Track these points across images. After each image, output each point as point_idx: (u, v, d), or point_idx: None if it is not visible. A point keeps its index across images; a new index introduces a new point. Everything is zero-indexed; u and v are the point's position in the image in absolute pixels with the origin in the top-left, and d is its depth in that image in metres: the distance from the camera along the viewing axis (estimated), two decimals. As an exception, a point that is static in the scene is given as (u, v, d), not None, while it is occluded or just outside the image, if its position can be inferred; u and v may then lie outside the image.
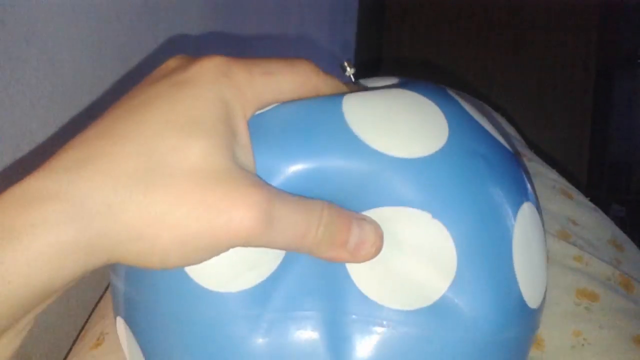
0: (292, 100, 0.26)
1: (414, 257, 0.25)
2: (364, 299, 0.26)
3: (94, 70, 0.49)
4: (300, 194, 0.25)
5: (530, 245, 0.28)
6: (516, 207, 0.27)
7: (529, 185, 0.30)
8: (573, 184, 0.58)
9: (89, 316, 0.49)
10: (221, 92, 0.23)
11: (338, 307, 0.26)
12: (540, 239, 0.29)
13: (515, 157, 0.30)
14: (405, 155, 0.25)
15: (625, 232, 0.54)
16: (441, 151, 0.26)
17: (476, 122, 0.29)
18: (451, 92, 0.30)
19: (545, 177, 0.56)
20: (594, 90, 1.80)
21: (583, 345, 0.40)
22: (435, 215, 0.25)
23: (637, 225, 1.59)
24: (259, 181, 0.23)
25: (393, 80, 0.32)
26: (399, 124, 0.26)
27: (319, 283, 0.26)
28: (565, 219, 0.51)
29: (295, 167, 0.25)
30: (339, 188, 0.25)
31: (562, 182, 0.57)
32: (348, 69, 0.31)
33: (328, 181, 0.25)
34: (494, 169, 0.27)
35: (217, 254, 0.23)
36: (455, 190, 0.26)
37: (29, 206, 0.20)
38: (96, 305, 0.50)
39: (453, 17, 1.84)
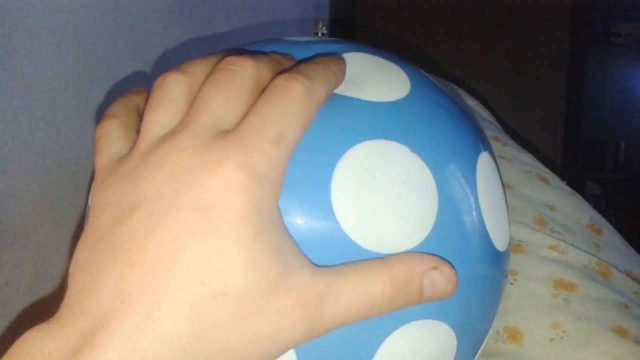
0: None
1: (401, 192, 0.25)
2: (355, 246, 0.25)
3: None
4: None
5: (493, 190, 0.29)
6: (476, 153, 0.29)
7: (485, 137, 0.31)
8: (549, 164, 0.57)
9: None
10: (251, 202, 0.21)
11: None
12: (500, 186, 0.31)
13: (469, 114, 0.32)
14: (379, 99, 0.27)
15: (600, 210, 0.53)
16: (408, 97, 0.27)
17: (434, 83, 0.31)
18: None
19: (520, 161, 0.55)
20: (568, 69, 1.80)
21: (562, 338, 0.39)
22: (414, 150, 0.26)
23: (613, 203, 1.61)
24: (303, 281, 0.22)
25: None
26: (370, 78, 0.28)
27: None
28: (541, 205, 0.49)
29: None
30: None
31: (538, 167, 0.55)
32: (321, 26, 0.31)
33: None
34: (454, 118, 0.29)
35: None
36: (427, 129, 0.27)
37: None
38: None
39: (426, -3, 1.82)
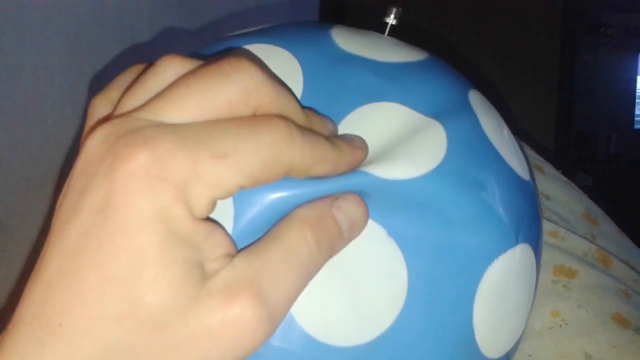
0: None
1: (361, 280, 0.23)
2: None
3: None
4: None
5: (508, 293, 0.25)
6: (503, 248, 0.25)
7: (532, 222, 0.27)
8: (541, 155, 0.57)
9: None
10: (156, 207, 0.18)
11: None
12: (527, 285, 0.26)
13: (528, 187, 0.28)
14: (387, 176, 0.23)
15: (592, 200, 0.53)
16: (427, 174, 0.23)
17: (486, 140, 0.26)
18: (471, 94, 0.28)
19: (516, 150, 0.54)
20: (559, 61, 1.80)
21: (561, 326, 0.38)
22: (390, 233, 0.23)
23: (603, 194, 1.61)
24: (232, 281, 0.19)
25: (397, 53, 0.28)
26: (386, 151, 0.24)
27: None
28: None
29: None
30: None
31: (533, 156, 0.55)
32: (391, 16, 0.29)
33: None
34: (487, 200, 0.25)
35: None
36: (420, 214, 0.23)
37: None
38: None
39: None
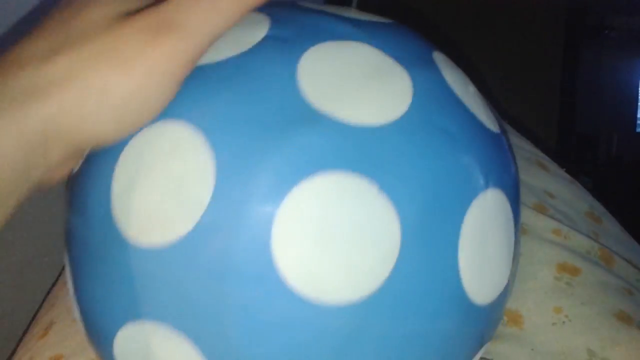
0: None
1: (355, 239, 0.22)
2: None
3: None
4: None
5: (485, 237, 0.25)
6: (473, 193, 0.25)
7: (503, 170, 0.27)
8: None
9: (41, 304, 0.46)
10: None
11: None
12: (504, 231, 0.27)
13: (497, 138, 0.28)
14: (356, 122, 0.23)
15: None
16: (401, 119, 0.24)
17: (451, 92, 0.27)
18: (435, 54, 0.28)
19: (520, 148, 0.54)
20: (562, 63, 1.80)
21: (564, 322, 0.38)
22: (382, 188, 0.23)
23: (605, 196, 1.61)
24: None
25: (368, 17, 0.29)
26: (355, 88, 0.24)
27: None
28: (541, 192, 0.49)
29: None
30: None
31: (537, 154, 0.55)
32: None
33: None
34: (456, 147, 0.25)
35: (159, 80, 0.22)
36: (405, 165, 0.23)
37: None
38: (48, 293, 0.47)
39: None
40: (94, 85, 0.21)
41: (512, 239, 0.28)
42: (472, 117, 0.27)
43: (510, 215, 0.27)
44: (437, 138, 0.24)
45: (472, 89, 0.29)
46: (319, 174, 0.22)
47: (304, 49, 0.25)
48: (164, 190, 0.23)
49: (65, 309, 0.40)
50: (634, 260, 0.45)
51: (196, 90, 0.24)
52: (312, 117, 0.23)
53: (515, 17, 1.81)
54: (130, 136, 0.24)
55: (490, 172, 0.26)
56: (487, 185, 0.25)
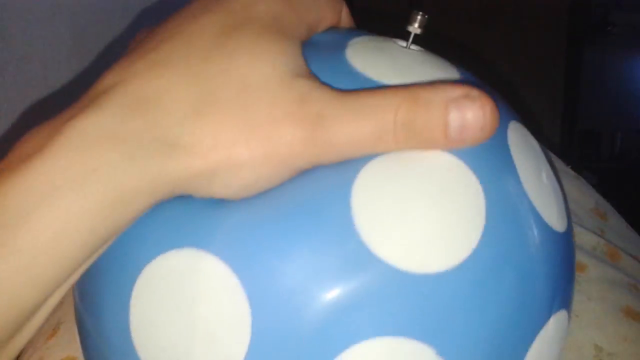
0: None
1: None
2: None
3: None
4: None
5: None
6: (538, 327, 0.23)
7: (567, 285, 0.25)
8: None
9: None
10: (274, 8, 0.22)
11: None
12: (558, 348, 0.25)
13: (564, 239, 0.25)
14: (415, 270, 0.20)
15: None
16: (462, 265, 0.21)
17: (526, 200, 0.23)
18: (510, 130, 0.25)
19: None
20: (565, 59, 1.80)
21: (571, 318, 0.38)
22: (440, 353, 0.20)
23: (608, 193, 1.61)
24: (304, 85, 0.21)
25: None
26: (418, 222, 0.21)
27: None
28: (547, 188, 0.49)
29: None
30: None
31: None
32: (415, 25, 0.25)
33: None
34: (525, 281, 0.22)
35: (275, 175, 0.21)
36: (466, 323, 0.21)
37: (88, 150, 0.19)
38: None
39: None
40: (235, 161, 0.20)
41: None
42: (545, 227, 0.24)
43: (566, 330, 0.26)
44: (506, 277, 0.22)
45: (545, 174, 0.25)
46: (372, 339, 0.20)
47: (361, 165, 0.21)
48: (191, 332, 0.20)
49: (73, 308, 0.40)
50: (640, 256, 0.45)
51: (234, 224, 0.21)
52: (366, 263, 0.20)
53: (518, 14, 1.80)
54: (153, 253, 0.21)
55: (556, 294, 0.24)
56: (551, 314, 0.23)
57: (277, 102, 0.20)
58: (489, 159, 0.22)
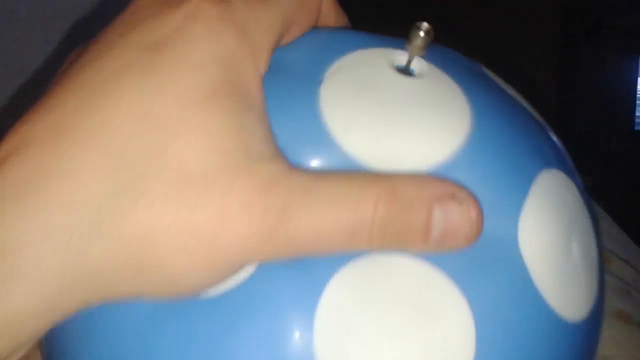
0: None
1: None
2: None
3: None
4: None
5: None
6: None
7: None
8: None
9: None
10: (220, 47, 0.16)
11: None
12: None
13: (577, 331, 0.21)
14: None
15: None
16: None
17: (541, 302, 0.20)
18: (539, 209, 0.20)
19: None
20: (559, 62, 1.80)
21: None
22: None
23: (603, 195, 1.61)
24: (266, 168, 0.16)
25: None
26: None
27: None
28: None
29: None
30: None
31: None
32: (416, 43, 0.19)
33: None
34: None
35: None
36: None
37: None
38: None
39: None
40: (168, 273, 0.16)
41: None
42: (553, 319, 0.20)
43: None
44: None
45: (576, 247, 0.21)
46: None
47: (330, 275, 0.18)
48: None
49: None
50: (632, 260, 0.46)
51: None
52: None
53: (512, 16, 1.81)
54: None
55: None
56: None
57: (233, 192, 0.16)
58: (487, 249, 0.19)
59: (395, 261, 0.18)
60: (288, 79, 0.19)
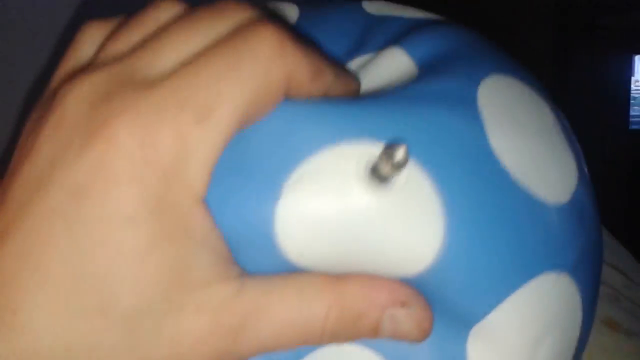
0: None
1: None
2: None
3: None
4: None
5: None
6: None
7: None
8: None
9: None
10: (145, 198, 0.15)
11: None
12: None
13: (555, 213, 0.22)
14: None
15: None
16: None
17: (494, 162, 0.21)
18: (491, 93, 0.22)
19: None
20: (552, 62, 1.80)
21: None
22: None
23: (597, 195, 1.61)
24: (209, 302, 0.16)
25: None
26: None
27: None
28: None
29: None
30: None
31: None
32: (398, 156, 0.16)
33: None
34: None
35: None
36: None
37: None
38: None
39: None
40: None
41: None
42: (527, 197, 0.22)
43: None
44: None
45: (552, 121, 0.25)
46: None
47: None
48: None
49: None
50: (620, 265, 0.45)
51: None
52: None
53: (504, 16, 1.81)
54: None
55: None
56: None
57: (169, 327, 0.16)
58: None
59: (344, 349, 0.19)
60: (248, 181, 0.18)
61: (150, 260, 0.15)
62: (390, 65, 0.22)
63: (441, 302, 0.19)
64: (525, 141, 0.21)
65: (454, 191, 0.19)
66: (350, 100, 0.19)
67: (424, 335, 0.18)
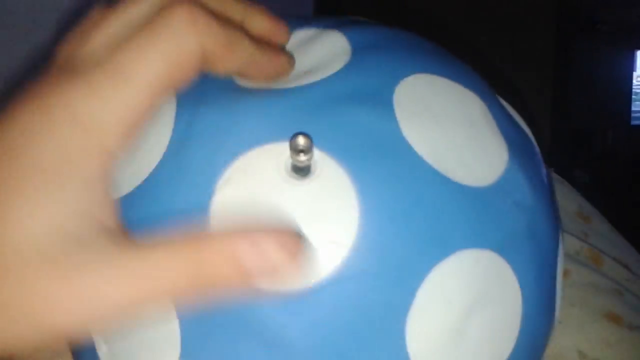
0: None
1: None
2: None
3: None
4: None
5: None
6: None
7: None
8: (536, 151, 0.57)
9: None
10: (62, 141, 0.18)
11: None
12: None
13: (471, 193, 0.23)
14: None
15: (589, 197, 0.53)
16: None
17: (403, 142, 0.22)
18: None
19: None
20: (554, 57, 1.80)
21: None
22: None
23: (600, 190, 1.61)
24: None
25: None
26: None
27: None
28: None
29: None
30: None
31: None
32: (301, 155, 0.19)
33: None
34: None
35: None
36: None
37: None
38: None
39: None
40: None
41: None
42: (432, 177, 0.24)
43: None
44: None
45: (478, 110, 0.26)
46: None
47: None
48: None
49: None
50: (624, 259, 0.46)
51: None
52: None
53: (506, 11, 1.80)
54: None
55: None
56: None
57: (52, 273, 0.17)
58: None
59: None
60: (182, 182, 0.21)
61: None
62: (329, 44, 0.24)
63: (371, 292, 0.21)
64: (441, 131, 0.23)
65: (367, 180, 0.21)
66: (275, 103, 0.22)
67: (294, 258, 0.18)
